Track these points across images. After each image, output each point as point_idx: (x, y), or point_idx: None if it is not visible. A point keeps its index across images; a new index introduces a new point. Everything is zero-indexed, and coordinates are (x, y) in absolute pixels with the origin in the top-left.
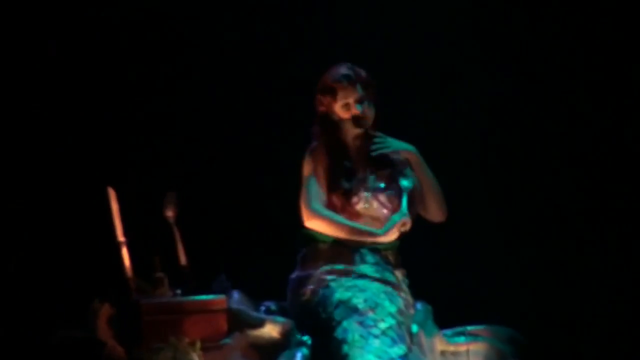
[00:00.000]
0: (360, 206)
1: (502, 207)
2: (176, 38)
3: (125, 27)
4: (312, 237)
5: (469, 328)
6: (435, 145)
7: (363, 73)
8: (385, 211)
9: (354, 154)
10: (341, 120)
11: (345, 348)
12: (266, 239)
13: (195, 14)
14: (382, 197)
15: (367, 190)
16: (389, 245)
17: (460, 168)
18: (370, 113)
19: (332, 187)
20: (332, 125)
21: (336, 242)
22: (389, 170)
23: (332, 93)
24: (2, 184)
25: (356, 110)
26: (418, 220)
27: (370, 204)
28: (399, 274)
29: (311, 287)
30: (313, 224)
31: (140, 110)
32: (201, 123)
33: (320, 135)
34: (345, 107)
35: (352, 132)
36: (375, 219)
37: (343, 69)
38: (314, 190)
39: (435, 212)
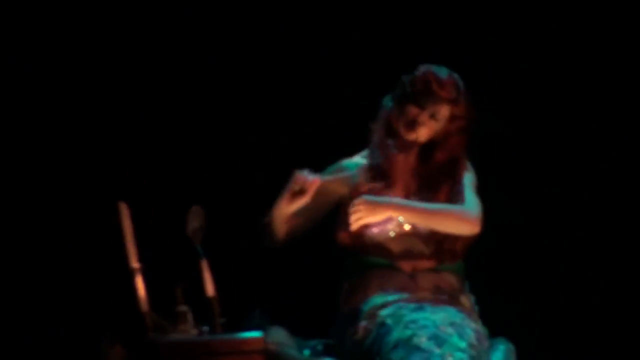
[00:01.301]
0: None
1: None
2: (193, 51)
3: (135, 38)
4: (361, 264)
5: None
6: None
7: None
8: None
9: None
10: None
11: None
12: (309, 265)
13: (201, 25)
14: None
15: None
16: (450, 267)
17: None
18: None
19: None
20: None
21: (388, 267)
22: None
23: None
24: None
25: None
26: None
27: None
28: (465, 300)
29: (363, 324)
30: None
31: (157, 111)
32: (232, 123)
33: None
34: None
35: None
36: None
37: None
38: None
39: (460, 230)
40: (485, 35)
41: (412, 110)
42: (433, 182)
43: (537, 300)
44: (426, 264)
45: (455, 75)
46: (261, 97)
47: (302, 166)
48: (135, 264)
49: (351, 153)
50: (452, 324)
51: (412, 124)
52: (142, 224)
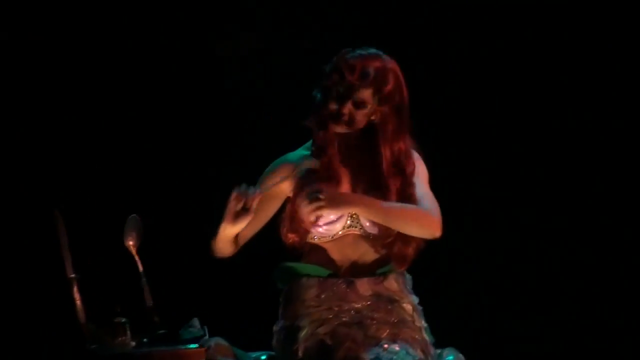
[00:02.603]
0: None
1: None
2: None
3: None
4: (294, 272)
5: None
6: None
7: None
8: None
9: None
10: None
11: None
12: (249, 273)
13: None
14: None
15: None
16: (392, 269)
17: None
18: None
19: None
20: None
21: (324, 275)
22: None
23: None
24: None
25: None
26: None
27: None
28: (408, 305)
29: (304, 344)
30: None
31: (93, 117)
32: (168, 130)
33: None
34: None
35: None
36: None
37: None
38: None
39: (422, 233)
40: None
41: (333, 104)
42: (382, 179)
43: (487, 308)
44: (368, 268)
45: (375, 53)
46: (201, 104)
47: (241, 171)
48: (71, 274)
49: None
50: (397, 341)
51: (338, 117)
52: (79, 233)
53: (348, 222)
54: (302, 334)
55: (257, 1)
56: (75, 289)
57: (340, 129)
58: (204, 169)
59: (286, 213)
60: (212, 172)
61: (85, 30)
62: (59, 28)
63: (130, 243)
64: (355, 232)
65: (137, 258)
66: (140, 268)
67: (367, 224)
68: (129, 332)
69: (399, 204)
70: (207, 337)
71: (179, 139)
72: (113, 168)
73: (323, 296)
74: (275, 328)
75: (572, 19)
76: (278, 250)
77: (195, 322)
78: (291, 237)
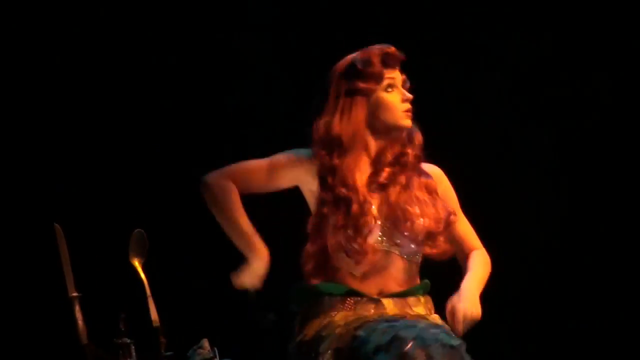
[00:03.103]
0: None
1: None
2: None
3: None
4: (315, 291)
5: None
6: None
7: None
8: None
9: None
10: None
11: None
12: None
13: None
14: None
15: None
16: (419, 289)
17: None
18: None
19: None
20: None
21: (348, 293)
22: None
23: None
24: None
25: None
26: None
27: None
28: (437, 320)
29: (332, 349)
30: None
31: (95, 130)
32: (176, 139)
33: None
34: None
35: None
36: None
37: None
38: None
39: None
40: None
41: (388, 74)
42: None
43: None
44: (396, 287)
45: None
46: (200, 122)
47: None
48: (73, 292)
49: None
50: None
51: (403, 96)
52: (81, 249)
53: (378, 237)
54: (326, 343)
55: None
56: (77, 308)
57: (409, 117)
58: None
59: (311, 250)
60: None
61: (87, 39)
62: (60, 33)
63: (136, 259)
64: (385, 249)
65: (142, 275)
66: (146, 286)
67: (399, 240)
68: (134, 354)
69: (478, 260)
70: (217, 359)
71: (187, 148)
72: (118, 179)
73: (347, 314)
74: (290, 346)
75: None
76: (292, 268)
77: (205, 343)
78: (316, 278)
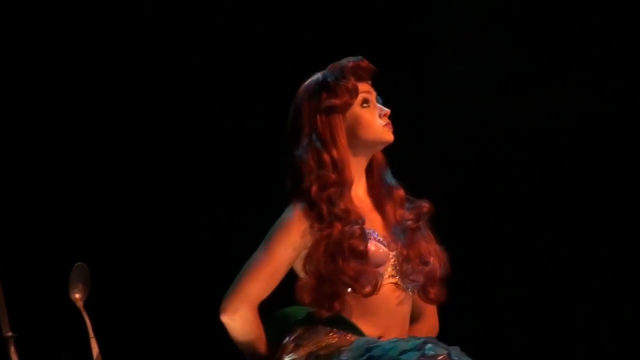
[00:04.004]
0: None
1: None
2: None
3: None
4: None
5: None
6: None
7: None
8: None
9: None
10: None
11: None
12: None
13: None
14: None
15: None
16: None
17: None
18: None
19: None
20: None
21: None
22: None
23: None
24: None
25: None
26: None
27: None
28: None
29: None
30: None
31: (28, 161)
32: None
33: None
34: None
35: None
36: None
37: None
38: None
39: None
40: None
41: (362, 89)
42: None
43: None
44: (398, 332)
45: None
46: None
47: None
48: (8, 332)
49: None
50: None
51: (380, 111)
52: (16, 286)
53: (389, 268)
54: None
55: None
56: (12, 349)
57: (390, 131)
58: (160, 206)
59: (308, 284)
60: (170, 209)
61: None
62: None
63: (77, 296)
64: (393, 282)
65: (84, 313)
66: (88, 325)
67: (412, 276)
68: None
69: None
70: None
71: (128, 172)
72: (56, 208)
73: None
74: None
75: None
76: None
77: None
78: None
